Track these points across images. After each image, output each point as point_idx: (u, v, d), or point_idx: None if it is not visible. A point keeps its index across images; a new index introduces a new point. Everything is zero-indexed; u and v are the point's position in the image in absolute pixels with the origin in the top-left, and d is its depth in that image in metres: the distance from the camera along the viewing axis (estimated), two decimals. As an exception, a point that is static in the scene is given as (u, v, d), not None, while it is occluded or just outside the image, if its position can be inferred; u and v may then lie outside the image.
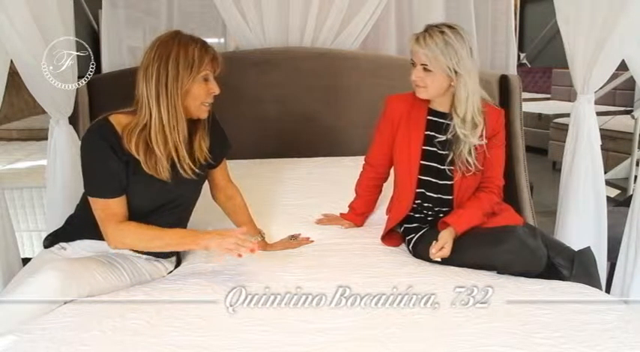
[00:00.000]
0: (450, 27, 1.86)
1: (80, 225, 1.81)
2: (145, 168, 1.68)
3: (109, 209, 1.69)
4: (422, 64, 1.87)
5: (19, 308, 1.52)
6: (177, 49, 1.66)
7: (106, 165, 1.67)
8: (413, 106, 2.00)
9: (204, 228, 1.88)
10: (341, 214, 2.21)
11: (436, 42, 1.83)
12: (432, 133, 1.97)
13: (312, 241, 2.09)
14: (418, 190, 1.99)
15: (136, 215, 1.73)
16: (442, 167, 1.96)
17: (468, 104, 1.88)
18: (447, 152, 1.95)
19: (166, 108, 1.67)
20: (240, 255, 1.64)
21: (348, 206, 2.20)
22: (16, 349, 1.37)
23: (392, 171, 2.12)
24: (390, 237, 2.07)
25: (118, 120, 1.71)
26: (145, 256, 1.82)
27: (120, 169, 1.68)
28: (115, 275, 1.71)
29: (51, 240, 1.84)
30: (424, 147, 1.98)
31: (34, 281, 1.56)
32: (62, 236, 1.84)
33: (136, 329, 1.46)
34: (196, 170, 1.77)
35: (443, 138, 1.95)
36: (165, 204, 1.78)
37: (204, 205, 1.97)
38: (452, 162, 1.95)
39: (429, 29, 1.86)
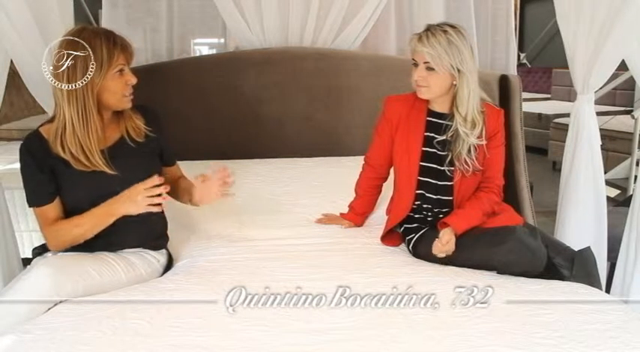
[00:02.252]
0: (451, 26, 1.87)
1: None
2: (75, 165, 1.70)
3: (44, 215, 1.74)
4: (425, 63, 1.86)
5: (15, 307, 1.52)
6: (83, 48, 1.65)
7: (33, 175, 1.72)
8: (412, 107, 2.00)
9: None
10: (341, 214, 2.21)
11: (439, 41, 1.83)
12: (432, 134, 1.97)
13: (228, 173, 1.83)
14: (418, 191, 1.99)
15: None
16: (442, 168, 1.96)
17: (469, 103, 1.89)
18: (446, 153, 1.95)
19: (77, 110, 1.66)
20: (159, 205, 1.71)
21: (348, 206, 2.20)
22: (16, 349, 1.37)
23: (392, 171, 2.12)
24: (390, 237, 2.07)
25: (47, 127, 1.73)
26: (132, 250, 1.82)
27: (45, 178, 1.71)
28: (109, 270, 1.71)
29: (40, 251, 1.84)
30: (423, 149, 1.97)
31: (27, 279, 1.57)
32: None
33: (136, 329, 1.46)
34: (107, 165, 1.72)
35: (442, 138, 1.95)
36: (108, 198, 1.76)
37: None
38: (451, 163, 1.95)
39: (431, 28, 1.87)
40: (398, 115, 2.01)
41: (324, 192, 2.33)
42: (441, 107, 1.97)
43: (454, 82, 1.88)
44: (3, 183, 2.35)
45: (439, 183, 1.97)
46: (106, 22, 2.67)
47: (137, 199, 1.68)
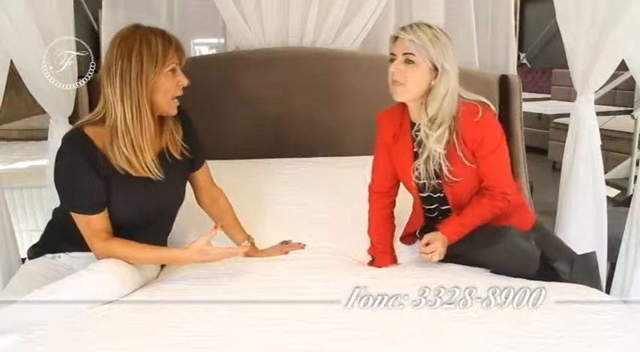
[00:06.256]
0: (436, 26, 1.78)
1: (63, 236, 1.78)
2: (133, 172, 1.66)
3: (92, 225, 1.67)
4: (405, 54, 1.71)
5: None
6: (139, 44, 1.60)
7: (88, 181, 1.64)
8: (402, 122, 1.88)
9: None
10: (371, 263, 2.00)
11: (425, 32, 1.70)
12: (418, 150, 1.86)
13: (304, 246, 2.01)
14: (427, 207, 1.94)
15: (122, 229, 1.71)
16: (432, 181, 1.85)
17: (444, 103, 1.73)
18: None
19: (130, 107, 1.61)
20: None
21: (369, 253, 2.01)
22: (16, 349, 1.38)
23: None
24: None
25: (94, 132, 1.65)
26: None
27: (100, 186, 1.65)
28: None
29: (36, 251, 1.81)
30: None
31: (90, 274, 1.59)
32: (50, 247, 1.80)
33: (136, 329, 1.46)
34: (157, 169, 1.70)
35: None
36: (152, 212, 1.76)
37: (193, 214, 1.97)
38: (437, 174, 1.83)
39: (417, 23, 1.76)
40: (391, 132, 1.90)
41: (324, 192, 2.33)
42: (417, 117, 1.81)
43: (432, 82, 1.73)
44: (3, 183, 2.35)
45: (433, 195, 1.90)
46: (105, 22, 2.67)
47: (215, 261, 1.76)
